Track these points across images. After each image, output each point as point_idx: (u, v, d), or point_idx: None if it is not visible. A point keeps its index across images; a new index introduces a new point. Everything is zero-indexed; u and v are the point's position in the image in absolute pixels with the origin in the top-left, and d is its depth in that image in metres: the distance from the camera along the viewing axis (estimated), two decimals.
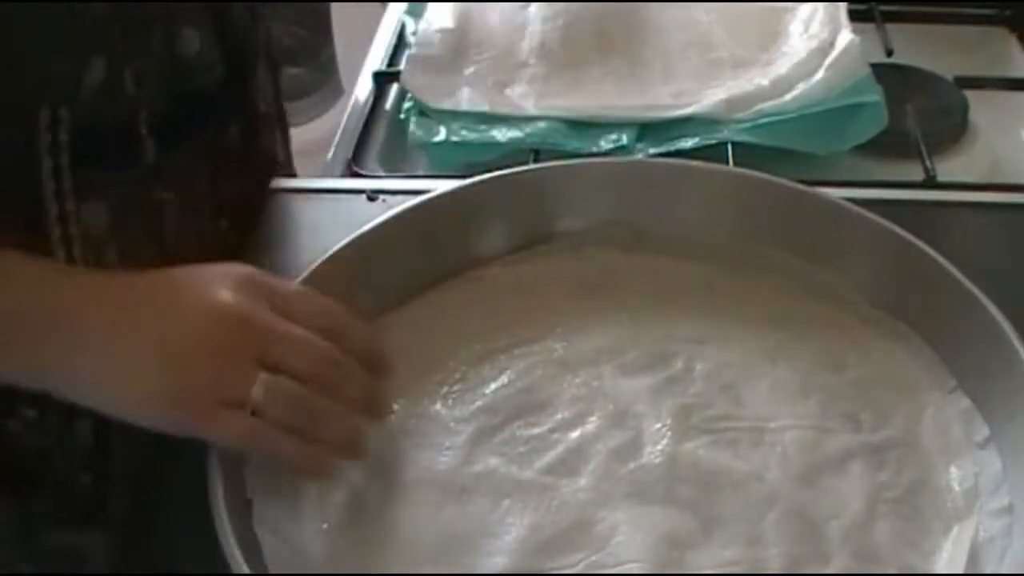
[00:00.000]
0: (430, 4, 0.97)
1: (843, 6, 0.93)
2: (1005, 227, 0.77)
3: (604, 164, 0.72)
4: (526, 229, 0.67)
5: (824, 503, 0.54)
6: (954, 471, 0.56)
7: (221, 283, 0.53)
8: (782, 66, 0.88)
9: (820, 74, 0.85)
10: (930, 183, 0.80)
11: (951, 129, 0.89)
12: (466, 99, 0.87)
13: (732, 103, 0.85)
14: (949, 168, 0.84)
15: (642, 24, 0.96)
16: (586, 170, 0.69)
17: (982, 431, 0.57)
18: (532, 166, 0.69)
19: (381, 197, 0.76)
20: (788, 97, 0.84)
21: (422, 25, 0.94)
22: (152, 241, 0.66)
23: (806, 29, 0.92)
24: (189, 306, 0.53)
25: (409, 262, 0.64)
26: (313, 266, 0.60)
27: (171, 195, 0.66)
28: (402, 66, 0.91)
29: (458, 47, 0.92)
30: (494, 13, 0.96)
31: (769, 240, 0.65)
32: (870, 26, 0.95)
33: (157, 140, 0.64)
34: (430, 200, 0.65)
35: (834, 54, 0.87)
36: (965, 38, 1.02)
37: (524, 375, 0.60)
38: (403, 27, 1.01)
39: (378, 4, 1.07)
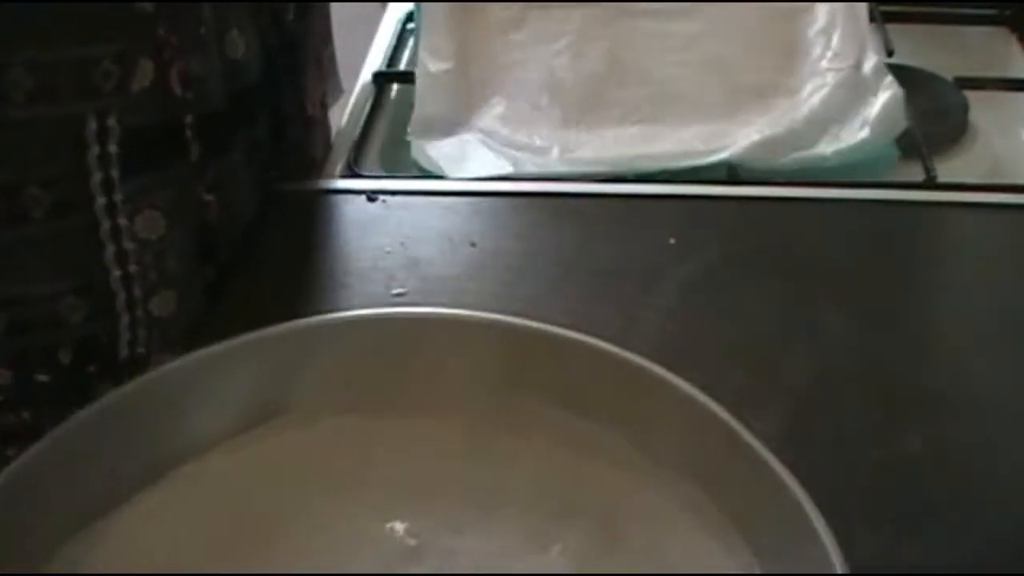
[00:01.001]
0: (423, 47, 0.91)
1: (863, 8, 0.91)
2: (1005, 227, 0.77)
3: (342, 320, 0.58)
4: (255, 402, 0.56)
5: None
6: None
7: None
8: (812, 98, 0.85)
9: (864, 133, 0.82)
10: (930, 183, 0.80)
11: (951, 129, 0.89)
12: (487, 164, 0.81)
13: (767, 146, 0.81)
14: (949, 168, 0.84)
15: (651, 42, 0.91)
16: (322, 329, 0.58)
17: None
18: (254, 334, 0.56)
19: (381, 197, 0.76)
20: (828, 151, 0.81)
21: (418, 73, 0.88)
22: (199, 246, 0.66)
23: (827, 44, 0.89)
24: None
25: (115, 458, 0.52)
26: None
27: (213, 197, 0.66)
28: (408, 131, 0.84)
29: (461, 93, 0.87)
30: (492, 41, 0.92)
31: (536, 393, 0.57)
32: (870, 26, 0.95)
33: (202, 142, 0.64)
34: (139, 384, 0.54)
35: (876, 109, 0.83)
36: (965, 38, 1.02)
37: None
38: (403, 27, 1.01)
39: (378, 4, 1.07)
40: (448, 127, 0.84)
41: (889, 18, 0.96)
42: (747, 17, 0.94)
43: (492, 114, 0.85)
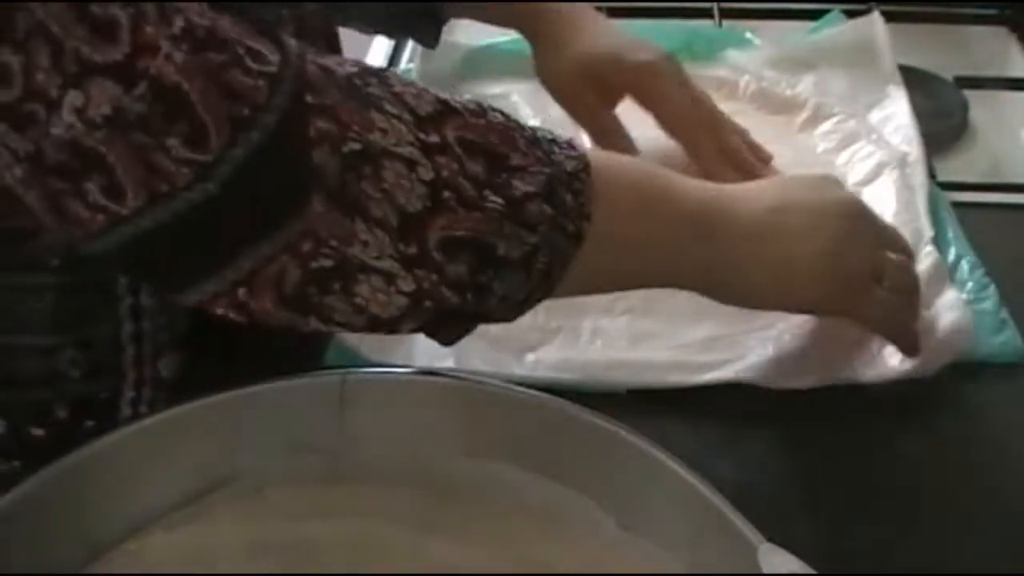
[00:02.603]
0: None
1: (922, 193, 0.75)
2: (1005, 227, 0.77)
3: (287, 386, 0.54)
4: (199, 473, 0.54)
5: None
6: None
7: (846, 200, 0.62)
8: None
9: (918, 359, 0.64)
10: None
11: (951, 129, 0.89)
12: (428, 351, 0.65)
13: (783, 363, 0.65)
14: (949, 168, 0.84)
15: None
16: (266, 395, 0.54)
17: None
18: (196, 403, 0.53)
19: None
20: (867, 375, 0.64)
21: None
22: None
23: None
24: (827, 207, 0.60)
25: (51, 538, 0.50)
26: None
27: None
28: None
29: None
30: None
31: (496, 455, 0.54)
32: (868, 16, 0.95)
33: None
34: (77, 458, 0.51)
35: (937, 331, 0.65)
36: (965, 38, 1.02)
37: None
38: None
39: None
40: None
41: (889, 18, 0.96)
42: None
43: None
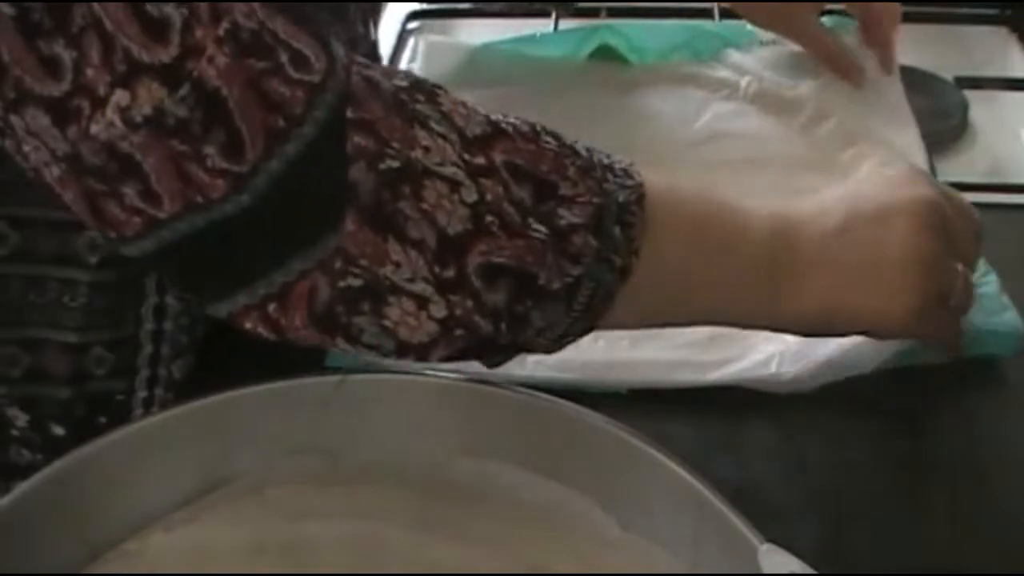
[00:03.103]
0: None
1: None
2: (1005, 227, 0.77)
3: (286, 386, 0.55)
4: (198, 473, 0.54)
5: None
6: None
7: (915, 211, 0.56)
8: None
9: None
10: None
11: (951, 129, 0.88)
12: None
13: (785, 360, 0.65)
14: (949, 168, 0.84)
15: None
16: (265, 395, 0.55)
17: None
18: (196, 403, 0.54)
19: None
20: (868, 361, 0.65)
21: None
22: None
23: None
24: (898, 225, 0.55)
25: (52, 538, 0.50)
26: None
27: None
28: None
29: None
30: None
31: (496, 455, 0.54)
32: None
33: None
34: (76, 458, 0.51)
35: None
36: (965, 38, 1.02)
37: None
38: (403, 28, 1.01)
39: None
40: None
41: None
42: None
43: None
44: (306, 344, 0.47)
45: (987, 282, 0.69)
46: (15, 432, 0.60)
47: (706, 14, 1.02)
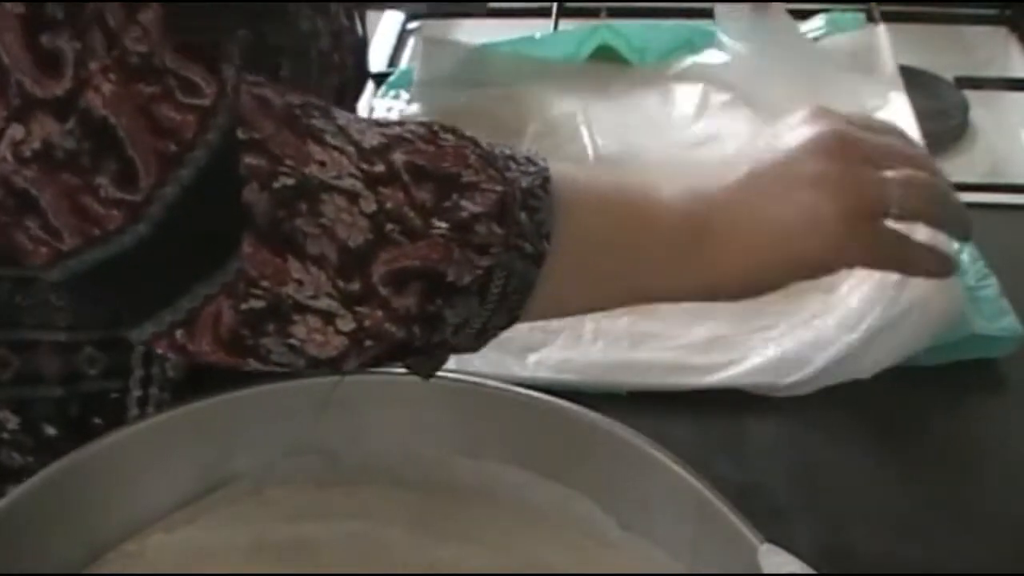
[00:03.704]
0: None
1: None
2: (1005, 227, 0.77)
3: (286, 387, 0.55)
4: (198, 473, 0.54)
5: None
6: None
7: (812, 146, 0.53)
8: (852, 299, 0.67)
9: (912, 339, 0.64)
10: None
11: (951, 129, 0.89)
12: None
13: (785, 364, 0.65)
14: (949, 168, 0.83)
15: None
16: (265, 396, 0.55)
17: None
18: (196, 404, 0.54)
19: None
20: (868, 365, 0.64)
21: None
22: None
23: None
24: (797, 164, 0.53)
25: (52, 538, 0.50)
26: None
27: None
28: None
29: None
30: None
31: (496, 455, 0.54)
32: (869, 26, 0.95)
33: None
34: (75, 459, 0.51)
35: (933, 294, 0.65)
36: (965, 38, 1.02)
37: None
38: (404, 28, 1.01)
39: (377, 5, 1.07)
40: None
41: (889, 18, 0.96)
42: None
43: None
44: (219, 366, 0.46)
45: (987, 285, 0.69)
46: (6, 435, 0.60)
47: (706, 14, 1.02)
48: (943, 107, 0.90)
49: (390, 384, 0.55)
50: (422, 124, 0.48)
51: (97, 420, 0.60)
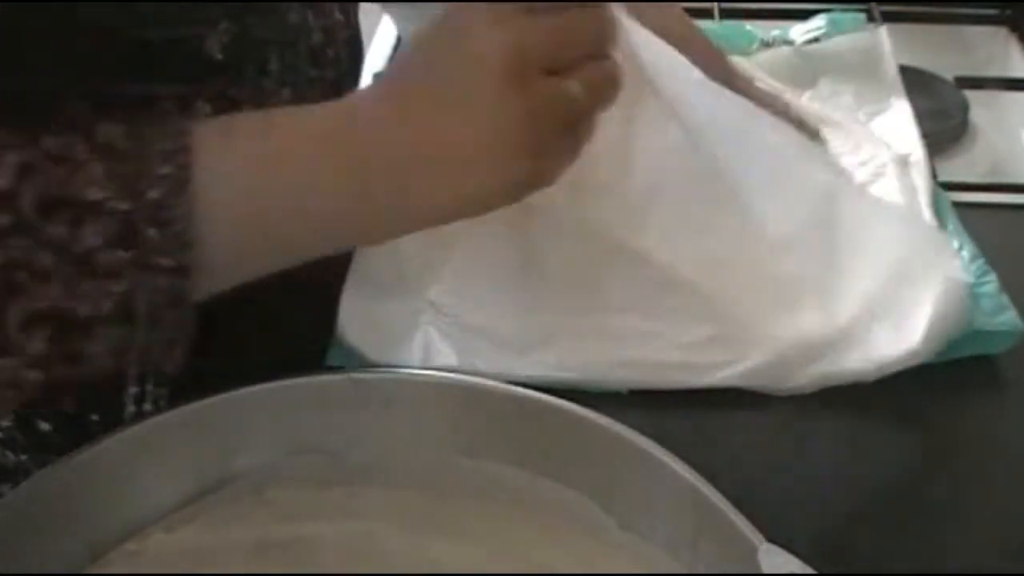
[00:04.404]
0: None
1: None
2: (1005, 227, 0.77)
3: (286, 386, 0.55)
4: (199, 473, 0.54)
5: None
6: None
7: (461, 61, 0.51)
8: (854, 297, 0.65)
9: (916, 338, 0.63)
10: None
11: (951, 129, 0.89)
12: (428, 348, 0.66)
13: (785, 363, 0.64)
14: (949, 168, 0.84)
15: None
16: (265, 395, 0.55)
17: None
18: (196, 403, 0.54)
19: None
20: (871, 366, 0.64)
21: None
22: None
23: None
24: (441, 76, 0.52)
25: (53, 537, 0.51)
26: None
27: None
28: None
29: (407, 252, 0.67)
30: None
31: (496, 455, 0.54)
32: (870, 27, 0.95)
33: None
34: (77, 459, 0.51)
35: (937, 291, 0.64)
36: (965, 38, 1.02)
37: None
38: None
39: (377, 5, 1.07)
40: (387, 291, 0.67)
41: (889, 18, 0.96)
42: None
43: (444, 284, 0.68)
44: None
45: (986, 282, 0.69)
46: None
47: (706, 14, 1.02)
48: (943, 107, 0.90)
49: (390, 384, 0.55)
50: (62, 138, 0.47)
51: (93, 416, 0.60)
